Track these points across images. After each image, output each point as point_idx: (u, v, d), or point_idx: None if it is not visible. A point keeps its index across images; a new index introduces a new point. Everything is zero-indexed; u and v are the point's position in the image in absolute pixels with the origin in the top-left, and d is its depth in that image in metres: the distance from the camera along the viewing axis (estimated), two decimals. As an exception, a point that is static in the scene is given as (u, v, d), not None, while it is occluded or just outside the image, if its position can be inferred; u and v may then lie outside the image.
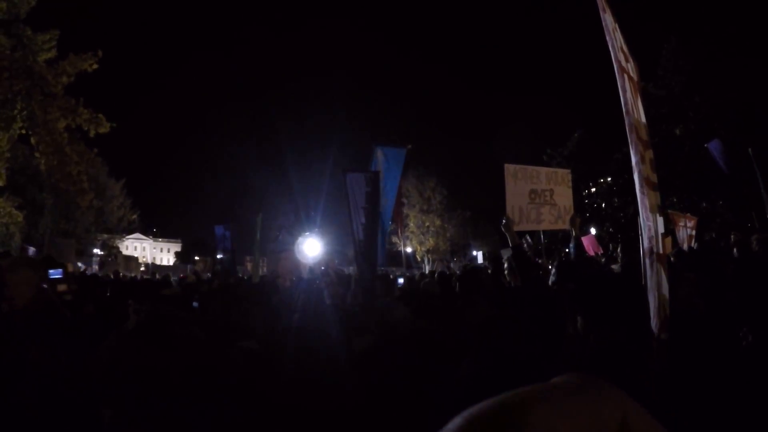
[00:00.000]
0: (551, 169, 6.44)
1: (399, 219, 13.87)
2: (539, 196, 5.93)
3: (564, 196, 6.14)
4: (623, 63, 3.38)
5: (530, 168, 6.05)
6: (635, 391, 1.95)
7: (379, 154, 10.21)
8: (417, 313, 4.84)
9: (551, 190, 6.02)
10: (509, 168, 5.86)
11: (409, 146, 10.81)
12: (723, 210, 27.48)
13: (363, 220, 7.02)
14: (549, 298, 3.78)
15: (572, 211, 6.18)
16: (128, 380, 1.84)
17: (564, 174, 6.35)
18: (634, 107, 3.33)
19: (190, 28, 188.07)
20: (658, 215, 3.32)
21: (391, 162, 10.20)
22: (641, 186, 3.06)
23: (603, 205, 35.36)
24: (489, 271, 7.60)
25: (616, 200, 34.13)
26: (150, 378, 1.81)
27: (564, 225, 6.10)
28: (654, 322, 2.62)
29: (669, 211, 13.60)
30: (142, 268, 57.62)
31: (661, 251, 3.14)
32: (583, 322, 2.24)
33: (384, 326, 3.79)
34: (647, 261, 2.88)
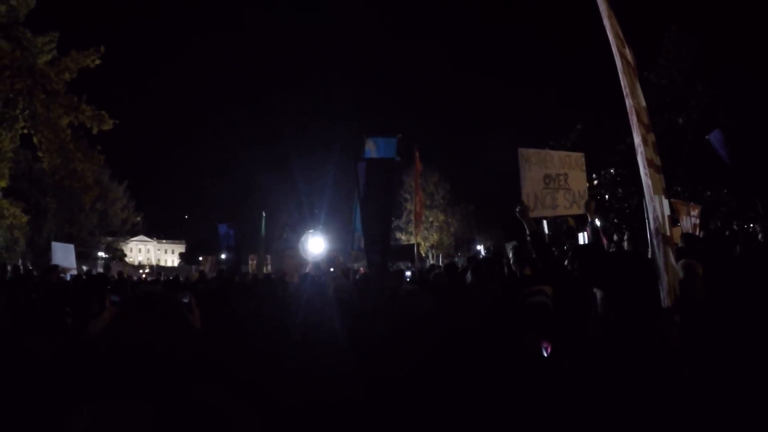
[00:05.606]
0: (564, 153, 6.30)
1: (419, 214, 13.58)
2: (553, 180, 5.76)
3: (578, 180, 5.97)
4: (620, 48, 3.38)
5: (543, 152, 5.92)
6: (660, 367, 1.94)
7: (371, 144, 9.84)
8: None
9: (565, 174, 5.85)
10: (523, 152, 5.68)
11: (400, 135, 10.14)
12: (728, 198, 27.37)
13: (375, 209, 6.76)
14: (572, 283, 3.75)
15: (586, 196, 6.02)
16: (116, 362, 1.77)
17: (577, 157, 6.16)
18: (633, 91, 3.33)
19: (191, 28, 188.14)
20: (663, 197, 3.31)
21: (383, 153, 9.78)
22: (644, 168, 3.05)
23: (607, 196, 35.25)
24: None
25: (620, 191, 34.02)
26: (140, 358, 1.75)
27: (579, 210, 5.96)
28: (665, 303, 2.60)
29: (672, 200, 13.53)
30: (147, 270, 57.78)
31: (668, 233, 3.13)
32: (604, 300, 2.22)
33: (407, 314, 3.77)
34: (654, 242, 2.86)
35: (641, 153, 3.07)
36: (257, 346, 4.29)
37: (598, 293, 2.23)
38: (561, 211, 5.89)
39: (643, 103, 3.55)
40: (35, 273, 13.39)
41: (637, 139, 3.11)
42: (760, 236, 10.29)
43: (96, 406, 1.71)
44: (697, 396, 1.96)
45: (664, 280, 2.68)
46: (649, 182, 3.03)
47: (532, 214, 5.36)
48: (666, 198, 3.41)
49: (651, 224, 2.96)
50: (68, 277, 14.62)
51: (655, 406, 1.89)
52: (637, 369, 1.97)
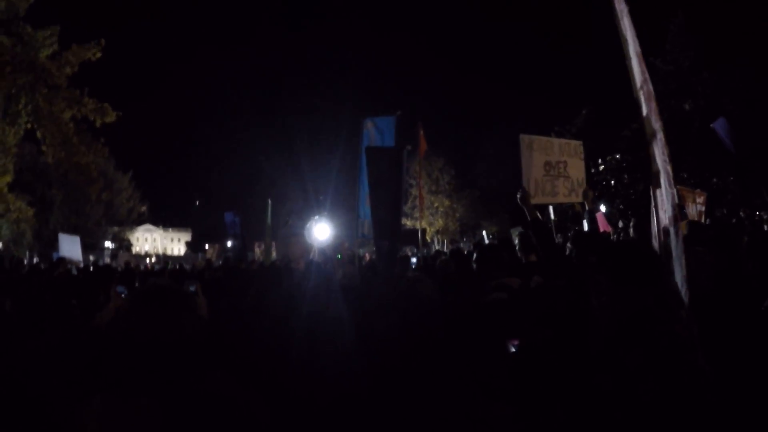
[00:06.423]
0: (564, 141, 6.36)
1: (421, 197, 13.49)
2: (553, 168, 5.79)
3: (576, 169, 6.02)
4: (634, 34, 3.35)
5: (544, 139, 5.94)
6: (667, 356, 1.93)
7: (370, 125, 9.37)
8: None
9: (564, 162, 5.89)
10: (524, 139, 5.69)
11: (399, 113, 9.55)
12: (734, 186, 27.22)
13: (385, 195, 6.57)
14: (573, 271, 3.73)
15: (584, 184, 6.06)
16: (123, 355, 1.77)
17: (576, 145, 6.22)
18: (646, 78, 3.30)
19: (191, 16, 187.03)
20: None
21: (384, 134, 9.35)
22: (662, 155, 3.02)
23: (612, 182, 35.04)
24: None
25: (626, 177, 33.80)
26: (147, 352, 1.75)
27: (577, 198, 5.99)
28: (684, 291, 2.59)
29: (678, 187, 13.42)
30: (154, 259, 58.06)
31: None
32: (609, 288, 2.20)
33: (409, 302, 3.74)
34: (671, 230, 2.84)
35: (660, 139, 3.05)
36: (262, 336, 4.30)
37: (604, 281, 2.22)
38: (560, 199, 5.93)
39: (653, 91, 3.53)
40: (42, 265, 13.45)
41: (657, 125, 3.09)
42: (765, 227, 10.25)
43: (107, 396, 1.72)
44: (708, 385, 1.96)
45: (681, 269, 2.68)
46: (669, 169, 3.00)
47: (532, 201, 5.39)
48: (674, 188, 3.39)
49: (668, 212, 2.93)
50: (74, 271, 14.68)
51: (661, 396, 1.88)
52: (643, 358, 1.96)
